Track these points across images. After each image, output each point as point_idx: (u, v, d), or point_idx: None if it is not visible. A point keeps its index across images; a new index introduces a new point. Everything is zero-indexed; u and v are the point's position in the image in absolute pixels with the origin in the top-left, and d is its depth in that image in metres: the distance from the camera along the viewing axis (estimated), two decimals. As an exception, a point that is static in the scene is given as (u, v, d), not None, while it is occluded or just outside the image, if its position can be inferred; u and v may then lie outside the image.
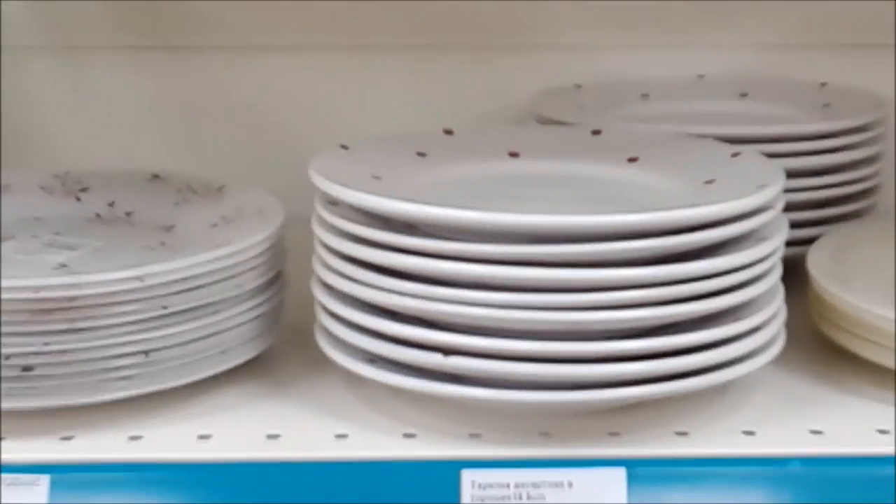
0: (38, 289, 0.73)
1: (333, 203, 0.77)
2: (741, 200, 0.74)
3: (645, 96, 1.13)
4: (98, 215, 0.92)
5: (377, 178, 0.82)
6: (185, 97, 1.16)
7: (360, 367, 0.76)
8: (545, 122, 1.03)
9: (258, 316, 0.81)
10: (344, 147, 0.86)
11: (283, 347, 0.85)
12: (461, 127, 0.92)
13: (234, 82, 1.16)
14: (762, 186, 0.75)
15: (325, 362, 0.79)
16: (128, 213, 0.92)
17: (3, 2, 1.12)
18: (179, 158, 1.12)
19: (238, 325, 0.79)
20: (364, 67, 1.16)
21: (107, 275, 0.74)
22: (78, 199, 0.94)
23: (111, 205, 0.93)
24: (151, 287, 0.75)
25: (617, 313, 0.71)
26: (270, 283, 0.82)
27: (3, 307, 0.73)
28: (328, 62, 1.16)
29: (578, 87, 1.14)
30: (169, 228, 0.89)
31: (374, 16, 1.15)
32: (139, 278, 0.75)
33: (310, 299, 0.80)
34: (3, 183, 0.94)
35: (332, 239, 0.76)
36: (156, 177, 0.95)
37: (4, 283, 0.73)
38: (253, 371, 0.82)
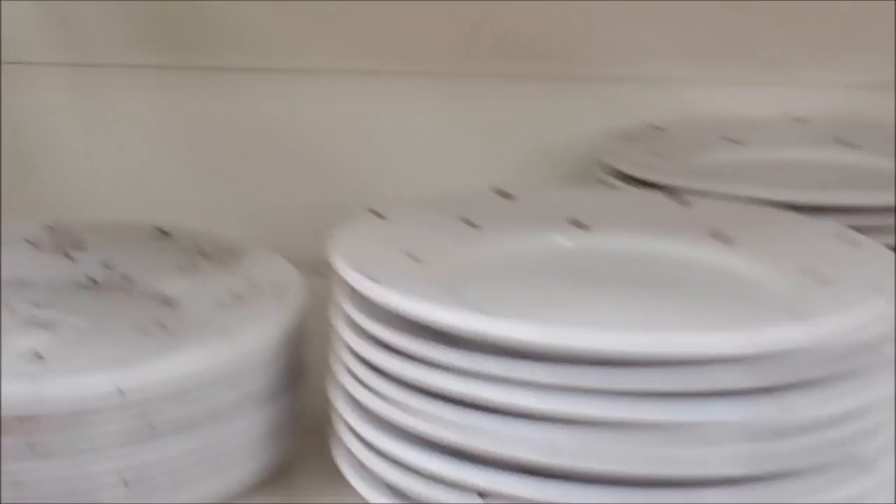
0: (-8, 404, 0.59)
1: (353, 298, 0.64)
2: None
3: (732, 141, 0.99)
4: (91, 279, 0.79)
5: (415, 258, 0.68)
6: (207, 120, 1.05)
7: (379, 498, 0.62)
8: (613, 174, 0.88)
9: (268, 427, 0.67)
10: (377, 214, 0.72)
11: (299, 457, 0.71)
12: (518, 187, 0.78)
13: (262, 107, 1.04)
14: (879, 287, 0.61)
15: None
16: (126, 278, 0.78)
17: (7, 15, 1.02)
18: (198, 187, 1.04)
19: (241, 440, 0.66)
20: (407, 96, 1.04)
21: (79, 386, 0.61)
22: (70, 256, 0.80)
23: (108, 266, 0.79)
24: (134, 402, 0.61)
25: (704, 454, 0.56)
26: (285, 384, 0.68)
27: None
28: (367, 89, 1.04)
29: (654, 127, 0.99)
30: (171, 302, 0.75)
31: (421, 39, 1.03)
32: (119, 391, 0.61)
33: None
34: (-18, 235, 0.81)
35: (357, 342, 0.63)
36: (162, 233, 0.82)
37: (-48, 398, 0.59)
38: (261, 488, 0.68)
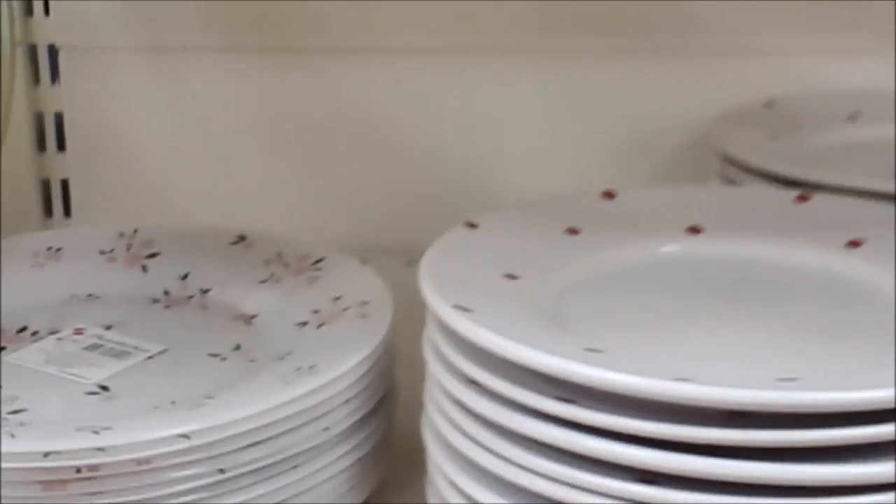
0: (48, 454, 0.54)
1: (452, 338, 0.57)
2: None
3: (853, 117, 0.91)
4: (166, 292, 0.73)
5: (511, 276, 0.62)
6: (290, 104, 0.99)
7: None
8: (729, 161, 0.81)
9: (352, 463, 0.61)
10: (471, 225, 0.66)
11: (391, 484, 0.65)
12: (623, 188, 0.72)
13: (349, 88, 0.98)
14: None
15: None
16: (203, 291, 0.73)
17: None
18: (283, 173, 0.98)
19: (321, 480, 0.60)
20: (503, 74, 0.97)
21: (143, 434, 0.55)
22: (144, 268, 0.75)
23: (184, 278, 0.74)
24: (203, 446, 0.56)
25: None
26: (370, 415, 0.62)
27: (5, 477, 0.54)
28: (461, 67, 0.97)
29: (770, 104, 0.92)
30: (248, 320, 0.70)
31: (516, 14, 0.96)
32: (186, 436, 0.55)
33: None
34: (55, 246, 0.76)
35: (452, 383, 0.56)
36: (241, 238, 0.76)
37: (5, 448, 0.54)
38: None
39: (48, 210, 1.01)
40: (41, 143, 1.02)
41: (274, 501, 0.58)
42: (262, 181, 1.00)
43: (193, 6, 0.98)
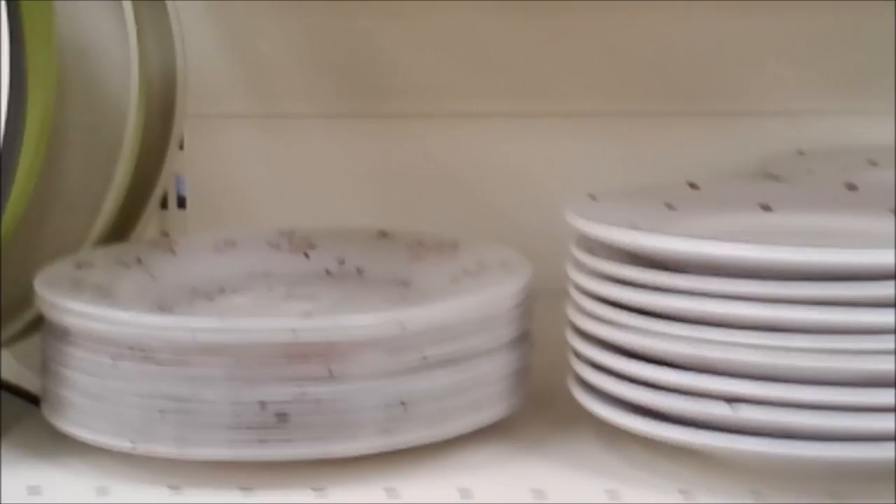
0: (296, 331, 0.69)
1: (586, 245, 0.74)
2: None
3: (872, 163, 1.07)
4: (328, 271, 0.89)
5: (633, 226, 0.78)
6: (395, 166, 1.14)
7: (627, 419, 0.71)
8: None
9: (512, 371, 0.77)
10: (592, 197, 0.82)
11: (530, 409, 0.80)
12: (706, 182, 0.88)
13: (446, 151, 1.13)
14: None
15: (576, 423, 0.77)
16: (359, 270, 0.89)
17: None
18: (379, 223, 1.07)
19: (494, 379, 0.75)
20: (575, 134, 1.13)
21: (367, 319, 0.71)
22: (306, 255, 0.90)
23: (341, 262, 0.89)
24: (412, 334, 0.71)
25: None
26: (523, 336, 0.78)
27: (261, 351, 0.69)
28: (539, 129, 1.13)
29: (801, 153, 1.09)
30: (405, 283, 0.85)
31: (584, 82, 1.12)
32: (400, 323, 0.71)
33: (547, 367, 0.77)
34: (228, 239, 0.92)
35: (591, 282, 0.73)
36: (384, 234, 0.92)
37: (262, 325, 0.70)
38: (504, 431, 0.77)
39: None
40: (163, 202, 1.15)
41: (459, 388, 0.73)
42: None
43: (300, 75, 1.13)
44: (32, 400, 0.80)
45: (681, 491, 0.70)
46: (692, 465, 0.72)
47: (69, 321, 0.73)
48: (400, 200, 1.14)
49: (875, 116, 1.10)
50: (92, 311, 0.73)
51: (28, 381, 0.83)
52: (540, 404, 0.81)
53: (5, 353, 0.88)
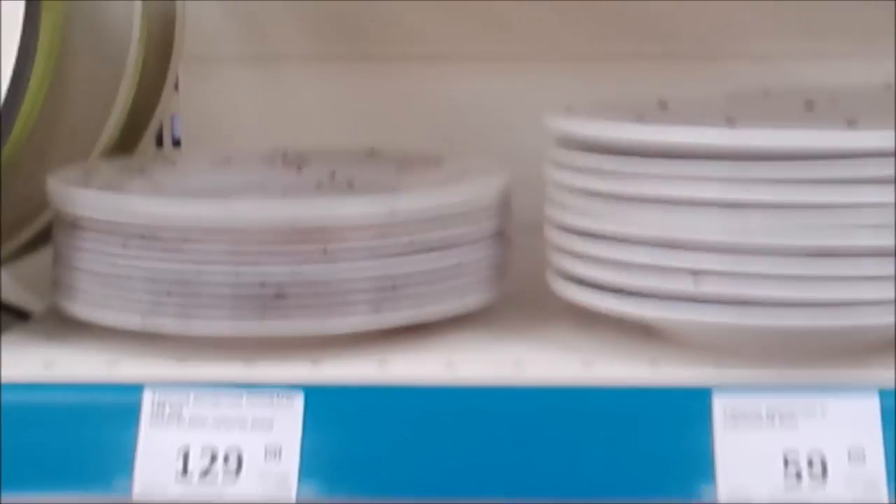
0: (294, 213, 0.75)
1: (565, 144, 0.79)
2: None
3: (833, 102, 1.13)
4: (320, 183, 0.94)
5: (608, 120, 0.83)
6: (384, 109, 1.18)
7: (600, 300, 0.77)
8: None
9: (493, 263, 0.82)
10: (569, 108, 0.88)
11: (511, 302, 0.86)
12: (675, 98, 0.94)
13: (432, 90, 1.18)
14: None
15: (555, 313, 0.83)
16: (349, 182, 0.94)
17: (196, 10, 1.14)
18: None
19: (477, 269, 0.81)
20: (547, 76, 1.17)
21: (360, 202, 0.77)
22: (299, 168, 0.96)
23: (332, 175, 0.95)
24: (401, 220, 0.77)
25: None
26: (503, 232, 0.84)
27: (261, 232, 0.75)
28: (517, 70, 1.18)
29: (766, 93, 1.14)
30: (394, 191, 0.90)
31: (556, 27, 1.17)
32: (390, 208, 0.77)
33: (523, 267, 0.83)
34: (225, 155, 0.97)
35: (567, 175, 0.78)
36: (372, 151, 0.97)
37: (263, 208, 0.75)
38: (486, 319, 0.83)
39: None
40: (159, 140, 1.20)
41: (445, 272, 0.79)
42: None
43: (292, 16, 1.17)
44: (23, 317, 0.86)
45: (651, 361, 0.76)
46: (659, 344, 0.78)
47: (81, 210, 0.79)
48: (387, 139, 1.17)
49: (840, 60, 1.15)
50: (103, 199, 0.78)
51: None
52: (520, 299, 0.87)
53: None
